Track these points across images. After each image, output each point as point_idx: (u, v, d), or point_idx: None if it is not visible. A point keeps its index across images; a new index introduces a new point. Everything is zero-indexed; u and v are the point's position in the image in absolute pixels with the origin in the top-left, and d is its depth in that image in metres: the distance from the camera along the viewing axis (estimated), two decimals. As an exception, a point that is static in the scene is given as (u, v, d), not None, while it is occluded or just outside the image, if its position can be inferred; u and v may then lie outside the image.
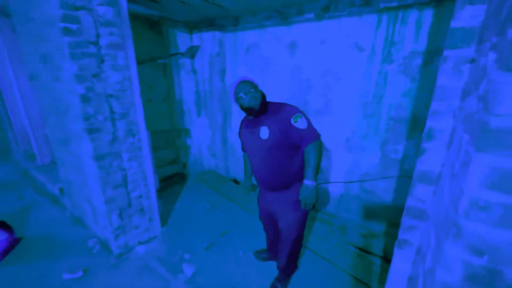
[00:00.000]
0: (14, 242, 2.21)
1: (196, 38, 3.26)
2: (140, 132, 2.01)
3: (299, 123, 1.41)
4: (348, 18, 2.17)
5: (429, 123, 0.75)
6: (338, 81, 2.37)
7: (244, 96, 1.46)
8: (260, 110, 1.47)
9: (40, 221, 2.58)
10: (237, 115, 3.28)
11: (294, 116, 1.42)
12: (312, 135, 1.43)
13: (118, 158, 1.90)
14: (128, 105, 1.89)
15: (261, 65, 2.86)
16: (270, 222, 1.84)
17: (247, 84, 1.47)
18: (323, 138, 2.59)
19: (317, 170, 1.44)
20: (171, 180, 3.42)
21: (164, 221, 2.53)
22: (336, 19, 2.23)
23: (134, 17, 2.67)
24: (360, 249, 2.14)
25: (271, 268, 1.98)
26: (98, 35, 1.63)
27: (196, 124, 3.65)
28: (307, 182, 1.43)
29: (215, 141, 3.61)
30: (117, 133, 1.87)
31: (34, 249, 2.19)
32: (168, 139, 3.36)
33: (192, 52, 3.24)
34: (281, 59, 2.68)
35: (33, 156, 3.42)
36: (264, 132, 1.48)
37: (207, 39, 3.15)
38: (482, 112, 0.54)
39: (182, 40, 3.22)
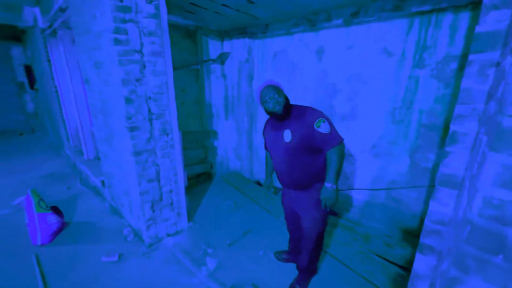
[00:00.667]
0: (63, 225, 2.51)
1: (227, 45, 3.44)
2: (173, 132, 2.19)
3: (322, 128, 1.45)
4: (378, 23, 2.15)
5: (453, 127, 0.75)
6: (365, 86, 2.35)
7: (268, 101, 1.53)
8: (283, 115, 1.53)
9: (84, 209, 2.89)
10: (263, 119, 3.37)
11: (317, 120, 1.45)
12: (334, 139, 1.46)
13: (153, 155, 2.09)
14: (164, 107, 2.07)
15: (288, 70, 2.93)
16: (293, 222, 1.89)
17: (271, 89, 1.53)
18: (348, 143, 2.56)
19: (338, 173, 1.49)
20: (199, 179, 3.60)
21: (190, 216, 2.68)
22: (365, 24, 2.23)
23: (173, 27, 2.92)
24: (384, 258, 2.07)
25: (291, 269, 2.00)
26: (142, 44, 1.84)
27: (224, 127, 3.82)
28: (328, 184, 1.50)
29: (241, 143, 3.73)
30: (153, 132, 2.06)
31: (78, 233, 2.47)
32: (197, 140, 3.56)
33: (222, 58, 3.42)
34: (308, 64, 2.73)
35: (81, 151, 3.84)
36: (287, 135, 1.54)
37: (237, 46, 3.31)
38: (498, 113, 0.54)
39: (214, 47, 3.43)
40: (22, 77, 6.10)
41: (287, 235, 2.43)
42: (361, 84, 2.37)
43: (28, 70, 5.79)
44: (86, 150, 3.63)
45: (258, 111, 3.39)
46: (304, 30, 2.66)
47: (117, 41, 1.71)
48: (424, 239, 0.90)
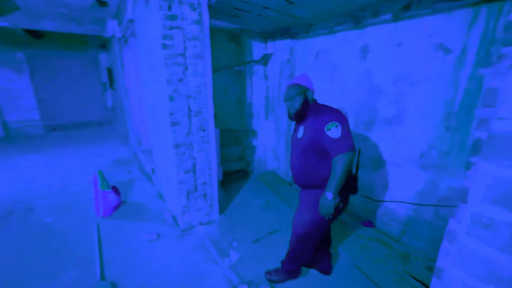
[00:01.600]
0: (120, 203, 2.97)
1: (270, 47, 3.50)
2: (209, 128, 2.36)
3: (332, 132, 1.39)
4: (432, 16, 1.89)
5: (477, 134, 0.62)
6: (415, 88, 2.09)
7: (285, 102, 1.61)
8: (297, 119, 1.59)
9: (137, 192, 3.34)
10: (301, 120, 3.31)
11: (329, 123, 1.40)
12: (342, 147, 1.38)
13: (190, 148, 2.30)
14: (202, 105, 2.25)
15: (329, 70, 2.81)
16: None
17: (290, 90, 1.57)
18: (392, 150, 2.32)
19: (340, 183, 1.41)
20: (235, 175, 3.76)
21: (222, 209, 2.83)
22: (417, 18, 1.99)
23: (219, 31, 3.13)
24: (423, 283, 1.81)
25: (309, 275, 1.93)
26: (185, 48, 2.04)
27: (264, 127, 3.89)
28: (327, 193, 1.44)
29: (279, 144, 3.74)
30: (192, 127, 2.26)
31: (130, 211, 2.88)
32: (236, 138, 3.72)
33: (265, 59, 3.50)
34: (350, 64, 2.57)
35: (140, 142, 4.44)
36: (301, 132, 1.57)
37: (279, 47, 3.34)
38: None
39: (257, 49, 3.53)
40: (105, 78, 7.37)
41: (313, 241, 2.35)
42: (410, 85, 2.12)
43: (110, 72, 6.96)
44: (144, 141, 4.19)
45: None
46: (348, 28, 2.52)
47: (164, 46, 1.94)
48: (441, 263, 0.77)
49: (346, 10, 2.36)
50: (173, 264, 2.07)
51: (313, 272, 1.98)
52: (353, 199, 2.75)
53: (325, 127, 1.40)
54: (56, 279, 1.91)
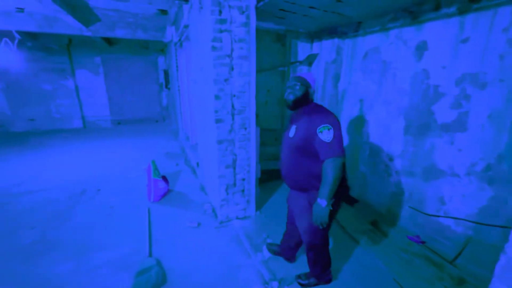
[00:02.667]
0: (167, 191, 3.28)
1: (316, 47, 3.44)
2: (250, 126, 2.45)
3: (324, 134, 1.36)
4: (509, 6, 1.63)
5: None
6: (483, 89, 1.83)
7: (286, 89, 1.58)
8: (291, 106, 1.55)
9: (183, 183, 3.64)
10: (346, 122, 3.17)
11: (322, 125, 1.37)
12: (332, 151, 1.35)
13: (232, 145, 2.42)
14: (245, 104, 2.35)
15: (379, 70, 2.64)
16: (290, 220, 1.90)
17: (295, 80, 1.55)
18: (450, 159, 2.08)
19: (333, 189, 1.38)
20: (273, 174, 3.79)
21: (258, 206, 2.90)
22: (489, 10, 1.73)
23: (265, 33, 3.22)
24: (480, 314, 1.57)
25: (345, 282, 1.85)
26: (232, 50, 2.16)
27: (304, 128, 3.84)
28: (320, 201, 1.40)
29: (320, 146, 3.65)
30: (234, 125, 2.37)
31: (176, 199, 3.16)
32: (277, 137, 3.76)
33: (310, 60, 3.46)
34: (403, 63, 2.38)
35: (188, 137, 4.82)
36: (292, 131, 1.54)
37: (325, 47, 3.26)
38: None
39: (303, 49, 3.50)
40: (162, 79, 8.18)
41: (348, 249, 2.26)
42: (476, 86, 1.86)
43: (166, 74, 7.71)
44: (191, 136, 4.53)
45: (342, 114, 3.22)
46: (402, 25, 2.33)
47: (213, 48, 2.09)
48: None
49: (401, 5, 2.19)
50: (210, 252, 2.21)
51: (347, 281, 1.90)
52: (398, 209, 2.54)
53: (318, 129, 1.38)
54: (115, 249, 2.22)
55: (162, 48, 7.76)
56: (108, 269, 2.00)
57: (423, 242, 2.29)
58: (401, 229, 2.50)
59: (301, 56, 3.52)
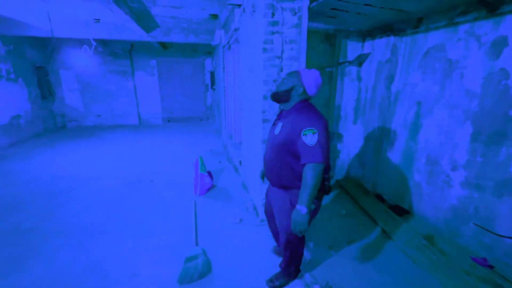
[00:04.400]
0: (211, 186, 3.46)
1: (368, 46, 3.27)
2: (296, 128, 2.44)
3: (308, 138, 1.32)
4: None
5: None
6: None
7: (276, 83, 1.56)
8: (277, 98, 1.52)
9: (225, 180, 3.80)
10: (397, 127, 2.94)
11: (307, 128, 1.34)
12: (313, 156, 1.32)
13: (276, 145, 2.44)
14: (292, 105, 2.36)
15: (442, 70, 2.39)
16: (270, 215, 1.88)
17: (287, 74, 1.54)
18: (531, 173, 1.78)
19: (312, 194, 1.35)
20: (315, 178, 3.71)
21: (300, 208, 2.87)
22: None
23: (313, 33, 3.17)
24: None
25: (396, 301, 1.73)
26: (282, 51, 2.19)
27: (350, 131, 3.68)
28: (299, 207, 1.37)
29: (367, 151, 3.45)
30: (280, 125, 2.39)
31: (219, 194, 3.32)
32: (320, 140, 3.67)
33: (360, 60, 3.29)
34: (474, 62, 2.11)
35: (231, 136, 5.01)
36: (278, 128, 1.51)
37: (379, 46, 3.08)
38: None
39: (352, 49, 3.36)
40: (208, 80, 8.64)
41: (397, 264, 2.10)
42: None
43: (212, 75, 8.12)
44: (234, 135, 4.69)
45: (394, 118, 3.00)
46: (476, 19, 2.07)
47: (265, 50, 2.15)
48: None
49: (475, -4, 1.95)
50: (251, 248, 2.27)
51: (398, 296, 1.77)
52: (460, 226, 2.26)
53: (303, 131, 1.34)
54: (166, 235, 2.44)
55: (209, 50, 8.19)
56: (160, 252, 2.21)
57: (491, 267, 2.00)
58: (462, 248, 2.22)
59: (351, 56, 3.38)
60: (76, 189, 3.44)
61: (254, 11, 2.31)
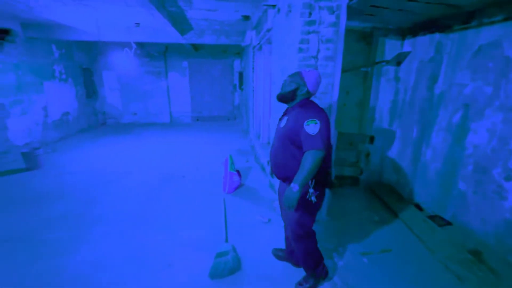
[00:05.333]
0: (240, 185, 3.51)
1: (408, 44, 3.08)
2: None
3: (310, 127, 1.41)
4: None
5: None
6: None
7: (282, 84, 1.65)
8: (283, 99, 1.61)
9: (253, 179, 3.83)
10: (441, 130, 2.73)
11: (310, 119, 1.43)
12: (315, 143, 1.40)
13: (308, 146, 2.40)
14: (325, 106, 2.30)
15: (499, 68, 2.17)
16: (284, 215, 1.85)
17: (291, 76, 1.61)
18: None
19: (307, 177, 1.41)
20: (345, 181, 3.59)
21: (328, 211, 2.79)
22: None
23: (348, 32, 3.06)
24: None
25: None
26: (318, 51, 2.15)
27: (385, 134, 3.50)
28: (292, 185, 1.43)
29: (404, 155, 3.25)
30: (313, 126, 2.35)
31: (246, 193, 3.36)
32: (352, 142, 3.54)
33: (399, 59, 3.12)
34: (539, 61, 1.88)
35: (259, 136, 5.04)
36: (283, 121, 1.61)
37: (421, 44, 2.88)
38: None
39: (391, 47, 3.19)
40: (236, 81, 8.79)
41: (438, 280, 1.95)
42: None
43: (240, 76, 8.24)
44: (262, 135, 4.71)
45: (436, 121, 2.79)
46: (541, 11, 1.84)
47: (300, 50, 2.13)
48: None
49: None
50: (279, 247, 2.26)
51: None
52: (516, 243, 2.04)
53: (306, 121, 1.43)
54: (196, 230, 2.53)
55: (238, 51, 8.33)
56: (191, 246, 2.29)
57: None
58: (518, 267, 1.99)
59: (388, 55, 3.21)
60: (115, 181, 3.71)
61: (290, 11, 2.30)
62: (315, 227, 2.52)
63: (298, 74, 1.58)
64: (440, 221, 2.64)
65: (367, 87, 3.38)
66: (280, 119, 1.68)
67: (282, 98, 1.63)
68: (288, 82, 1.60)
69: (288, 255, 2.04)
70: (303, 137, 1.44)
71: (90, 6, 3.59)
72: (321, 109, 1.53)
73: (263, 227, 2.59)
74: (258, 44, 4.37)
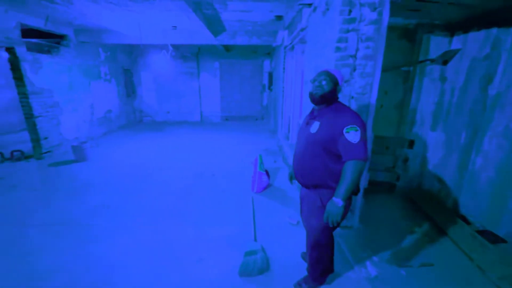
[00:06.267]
0: (268, 185, 3.51)
1: (457, 41, 2.82)
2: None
3: (351, 135, 1.33)
4: None
5: None
6: None
7: (311, 83, 1.52)
8: (319, 100, 1.49)
9: (281, 179, 3.80)
10: (498, 137, 2.45)
11: (349, 126, 1.34)
12: (358, 152, 1.32)
13: (342, 148, 2.31)
14: (363, 107, 2.20)
15: None
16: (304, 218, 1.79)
17: (323, 74, 1.49)
18: None
19: (350, 190, 1.35)
20: (379, 187, 3.40)
21: (362, 219, 2.66)
22: None
23: (389, 29, 2.89)
24: None
25: None
26: (357, 49, 2.06)
27: (427, 138, 3.24)
28: (335, 199, 1.36)
29: (448, 162, 2.98)
30: (348, 128, 2.26)
31: (274, 193, 3.34)
32: (388, 146, 3.34)
33: (446, 57, 2.87)
34: None
35: (287, 137, 4.99)
36: (315, 127, 1.49)
37: (473, 40, 2.62)
38: None
39: (437, 45, 2.94)
40: (265, 81, 8.81)
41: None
42: None
43: (270, 76, 8.24)
44: (291, 136, 4.66)
45: (490, 126, 2.51)
46: None
47: (337, 49, 2.06)
48: None
49: None
50: (310, 252, 2.21)
51: None
52: None
53: (345, 128, 1.34)
54: (225, 227, 2.57)
55: (269, 52, 8.33)
56: (221, 242, 2.34)
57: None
58: None
59: (433, 53, 2.96)
60: (151, 176, 3.94)
61: (328, 9, 2.23)
62: (345, 232, 2.44)
63: (328, 73, 1.49)
64: (491, 237, 2.37)
65: (408, 87, 3.16)
66: (308, 123, 1.57)
67: (321, 99, 1.49)
68: (324, 82, 1.48)
69: (306, 256, 2.01)
70: (343, 145, 1.36)
71: (135, 11, 3.86)
72: (357, 113, 1.44)
73: (291, 229, 2.56)
74: (290, 44, 4.32)
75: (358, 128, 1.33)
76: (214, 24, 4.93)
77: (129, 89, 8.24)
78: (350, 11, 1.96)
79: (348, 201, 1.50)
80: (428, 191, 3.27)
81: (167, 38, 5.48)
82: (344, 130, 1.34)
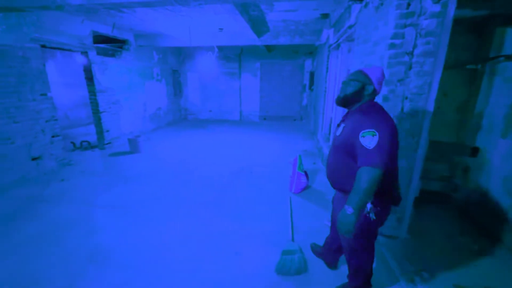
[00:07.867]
0: (306, 186, 3.46)
1: (542, 33, 2.40)
2: (420, 136, 2.09)
3: (366, 140, 1.25)
4: None
5: None
6: None
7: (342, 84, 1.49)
8: (340, 103, 1.48)
9: (320, 182, 3.71)
10: None
11: (367, 130, 1.26)
12: (371, 159, 1.22)
13: (392, 152, 2.16)
14: (418, 108, 2.03)
15: None
16: (333, 220, 1.80)
17: (352, 74, 1.46)
18: None
19: (362, 198, 1.24)
20: (431, 197, 3.08)
21: (410, 229, 2.45)
22: None
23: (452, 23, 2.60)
24: None
25: None
26: (414, 46, 1.90)
27: (495, 145, 2.82)
28: (346, 206, 1.29)
29: (522, 175, 2.56)
30: (400, 131, 2.10)
31: (313, 195, 3.28)
32: (445, 153, 3.00)
33: (525, 52, 2.46)
34: None
35: (328, 138, 4.83)
36: (340, 129, 1.48)
37: None
38: None
39: (513, 39, 2.54)
40: (306, 81, 8.65)
41: None
42: None
43: (311, 76, 8.07)
44: (331, 138, 4.50)
45: None
46: None
47: (391, 46, 1.93)
48: None
49: None
50: (350, 259, 2.12)
51: None
52: None
53: (361, 132, 1.27)
54: (264, 224, 2.62)
55: (311, 51, 8.17)
56: (258, 238, 2.39)
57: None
58: None
59: (509, 49, 2.57)
60: (196, 170, 4.20)
61: (382, 3, 2.11)
62: (391, 242, 2.27)
63: (360, 72, 1.44)
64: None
65: (474, 88, 2.80)
66: (338, 125, 1.54)
67: (343, 101, 1.47)
68: (350, 82, 1.43)
69: (323, 253, 2.04)
70: (358, 149, 1.28)
71: (186, 16, 4.15)
72: (386, 117, 1.33)
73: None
74: (336, 42, 4.17)
75: (376, 133, 1.24)
76: (259, 25, 5.02)
77: (176, 89, 8.88)
78: (408, 5, 1.82)
79: (384, 211, 1.43)
80: (494, 207, 2.85)
81: (213, 40, 5.77)
82: (360, 134, 1.28)
